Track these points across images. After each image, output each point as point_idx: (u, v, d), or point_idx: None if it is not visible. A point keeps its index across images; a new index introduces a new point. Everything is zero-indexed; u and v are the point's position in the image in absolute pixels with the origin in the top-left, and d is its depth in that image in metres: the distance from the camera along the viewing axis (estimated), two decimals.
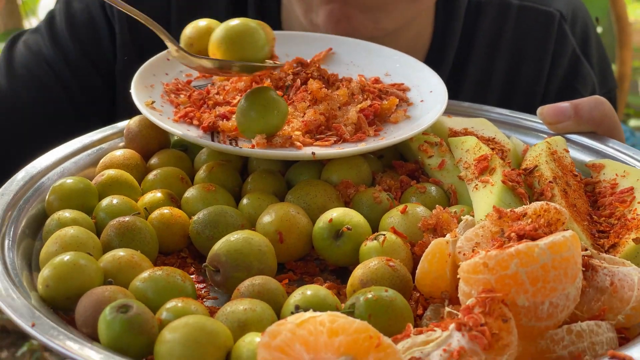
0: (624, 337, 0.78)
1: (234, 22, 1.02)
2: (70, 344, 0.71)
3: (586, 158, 1.06)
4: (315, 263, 0.94)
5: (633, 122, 3.28)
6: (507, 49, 1.43)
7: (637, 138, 2.76)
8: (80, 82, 1.42)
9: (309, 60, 1.17)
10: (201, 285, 0.90)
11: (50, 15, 1.46)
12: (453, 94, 1.33)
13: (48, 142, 1.09)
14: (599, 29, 2.73)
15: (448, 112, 1.15)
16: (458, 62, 1.41)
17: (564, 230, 0.79)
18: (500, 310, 0.72)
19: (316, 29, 1.28)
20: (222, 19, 1.34)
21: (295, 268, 0.93)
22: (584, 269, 0.79)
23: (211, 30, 1.03)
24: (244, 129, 1.01)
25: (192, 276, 0.90)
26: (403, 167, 1.04)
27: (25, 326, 0.73)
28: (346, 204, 0.98)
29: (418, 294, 0.84)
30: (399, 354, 0.69)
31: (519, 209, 0.84)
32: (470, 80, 1.41)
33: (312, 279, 0.91)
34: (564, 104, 1.10)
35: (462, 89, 1.40)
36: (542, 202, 0.83)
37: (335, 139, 1.03)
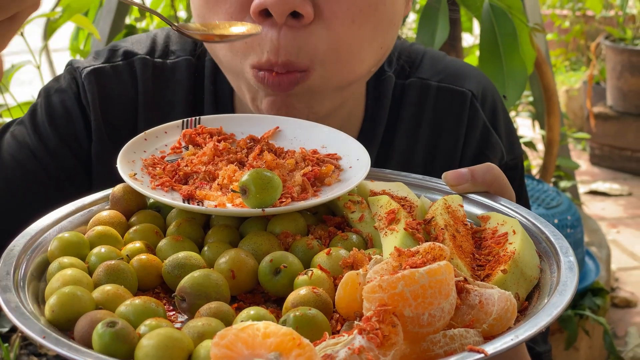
0: None
1: None
2: (72, 351, 0.96)
3: (479, 212, 1.33)
4: (261, 295, 1.19)
5: (564, 184, 3.56)
6: (428, 123, 1.69)
7: (562, 197, 3.03)
8: (59, 164, 1.64)
9: (259, 137, 1.45)
10: (171, 313, 1.15)
11: (33, 109, 1.69)
12: (382, 164, 1.60)
13: (34, 213, 1.30)
14: (530, 98, 3.04)
15: (373, 177, 1.42)
16: (386, 137, 1.67)
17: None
18: (390, 319, 0.98)
19: (261, 113, 1.55)
20: (182, 105, 1.60)
21: (244, 299, 1.18)
22: (459, 291, 1.06)
23: None
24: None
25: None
26: (332, 220, 1.30)
27: (39, 338, 0.97)
28: (285, 250, 1.23)
29: (338, 315, 1.09)
30: (315, 350, 0.94)
31: (413, 248, 1.10)
32: (397, 151, 1.68)
33: (258, 306, 1.16)
34: (463, 170, 1.37)
35: (390, 160, 1.66)
36: (430, 242, 1.10)
37: (286, 198, 1.29)
